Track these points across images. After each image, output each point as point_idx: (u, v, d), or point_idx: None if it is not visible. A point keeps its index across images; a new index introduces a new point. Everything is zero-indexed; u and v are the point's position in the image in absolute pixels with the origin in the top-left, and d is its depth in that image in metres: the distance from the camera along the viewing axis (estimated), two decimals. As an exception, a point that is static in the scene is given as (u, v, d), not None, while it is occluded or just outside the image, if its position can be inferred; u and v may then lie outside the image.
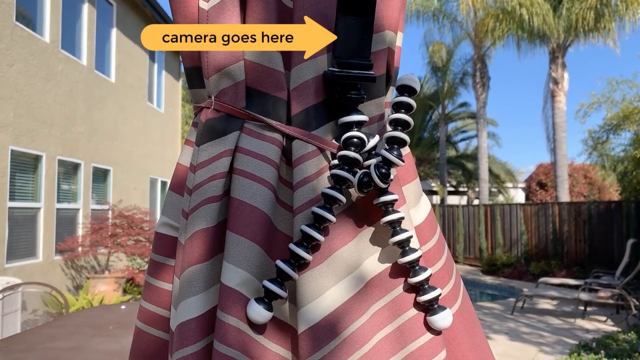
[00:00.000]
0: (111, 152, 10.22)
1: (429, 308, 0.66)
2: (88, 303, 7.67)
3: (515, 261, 13.88)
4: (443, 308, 0.65)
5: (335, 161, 0.66)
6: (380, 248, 0.67)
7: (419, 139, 23.19)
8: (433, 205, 17.64)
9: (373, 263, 0.66)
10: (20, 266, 7.35)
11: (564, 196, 14.93)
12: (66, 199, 8.78)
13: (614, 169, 17.31)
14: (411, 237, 0.65)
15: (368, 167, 0.65)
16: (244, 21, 0.68)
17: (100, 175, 9.92)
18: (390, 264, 0.67)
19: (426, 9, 17.93)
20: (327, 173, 0.67)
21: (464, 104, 23.28)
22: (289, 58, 0.68)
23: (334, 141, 0.68)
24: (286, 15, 0.68)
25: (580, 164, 23.88)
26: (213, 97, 0.68)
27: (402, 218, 0.65)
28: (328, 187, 0.64)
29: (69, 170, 8.83)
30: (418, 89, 0.67)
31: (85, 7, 9.34)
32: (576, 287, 9.30)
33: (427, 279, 0.65)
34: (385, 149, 0.64)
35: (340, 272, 0.64)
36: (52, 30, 8.23)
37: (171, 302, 0.68)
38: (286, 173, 0.68)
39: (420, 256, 0.65)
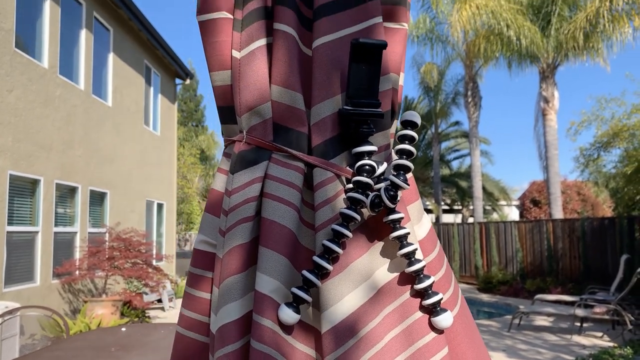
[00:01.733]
0: (108, 175, 10.31)
1: (433, 310, 0.76)
2: (86, 326, 7.67)
3: (511, 278, 13.96)
4: (444, 310, 0.76)
5: (350, 185, 0.78)
6: (389, 259, 0.78)
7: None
8: (428, 224, 17.74)
9: (384, 272, 0.77)
10: (18, 290, 7.37)
11: (558, 213, 15.09)
12: (63, 223, 8.83)
13: (607, 186, 17.52)
14: (416, 249, 0.76)
15: (378, 190, 0.77)
16: (270, 67, 0.79)
17: (97, 199, 9.99)
18: (399, 273, 0.78)
19: (419, 32, 18.28)
20: (344, 195, 0.78)
21: (456, 123, 23.59)
22: (309, 98, 0.79)
23: (348, 168, 0.79)
24: (306, 62, 0.80)
25: (573, 181, 24.11)
26: (245, 132, 0.80)
27: (408, 233, 0.76)
28: (345, 208, 0.76)
29: (66, 193, 8.90)
30: (419, 123, 0.79)
31: (83, 33, 9.51)
32: (572, 303, 9.39)
33: (430, 285, 0.76)
34: (393, 174, 0.76)
35: (356, 281, 0.75)
36: (50, 56, 8.38)
37: (210, 309, 0.78)
38: (308, 196, 0.80)
39: (425, 266, 0.76)
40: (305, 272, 0.73)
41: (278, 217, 0.74)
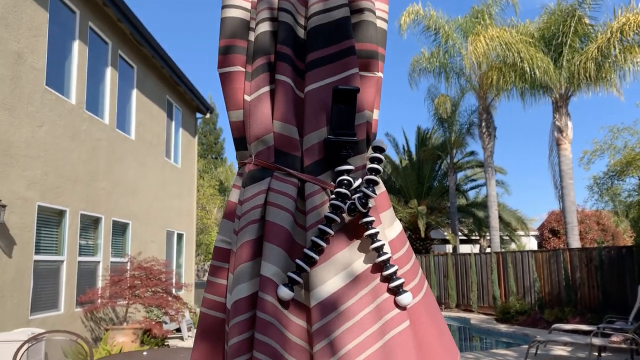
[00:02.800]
0: (130, 206, 10.67)
1: (397, 292, 0.99)
2: (107, 353, 7.89)
3: (529, 308, 13.87)
4: (405, 292, 0.99)
5: (333, 195, 1.01)
6: (364, 253, 1.01)
7: (429, 188, 23.55)
8: (446, 254, 17.77)
9: (360, 263, 1.00)
10: (44, 317, 7.64)
11: (575, 242, 15.03)
12: (87, 252, 9.15)
13: (627, 215, 17.41)
14: (384, 245, 0.99)
15: (354, 199, 1.00)
16: (273, 107, 1.05)
17: (119, 229, 10.33)
18: (372, 264, 1.00)
19: (432, 65, 18.68)
20: (328, 203, 1.02)
21: (471, 153, 23.72)
22: (302, 129, 1.04)
23: (332, 182, 1.03)
24: (300, 102, 1.06)
25: (592, 211, 23.93)
26: (253, 156, 1.05)
27: (378, 233, 0.99)
28: (328, 212, 0.99)
29: (90, 224, 9.25)
30: (386, 149, 1.03)
31: (109, 71, 10.02)
32: (589, 332, 9.34)
33: (395, 272, 0.99)
34: (365, 187, 0.99)
35: (338, 268, 0.98)
36: (78, 92, 8.85)
37: (227, 290, 1.02)
38: (301, 204, 1.04)
39: (390, 257, 0.99)
40: (298, 261, 0.97)
41: (278, 220, 0.98)
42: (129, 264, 9.80)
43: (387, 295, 0.99)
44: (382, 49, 1.13)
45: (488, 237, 23.99)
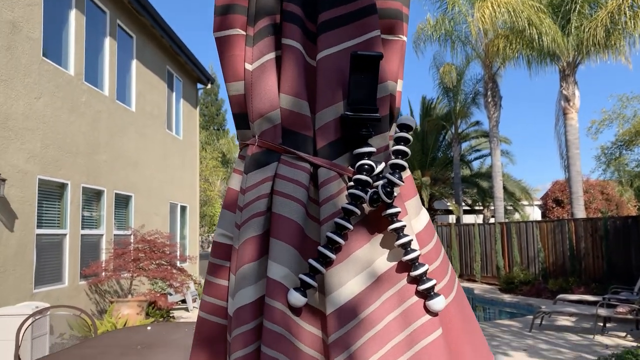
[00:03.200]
0: (133, 179, 10.55)
1: (427, 295, 0.85)
2: (112, 326, 7.88)
3: (533, 279, 13.85)
4: (437, 295, 0.84)
5: (352, 183, 0.86)
6: (388, 250, 0.87)
7: (433, 158, 23.35)
8: (449, 225, 17.70)
9: (383, 261, 0.85)
10: (48, 291, 7.60)
11: (580, 212, 14.92)
12: (90, 225, 9.07)
13: (631, 185, 17.25)
14: (411, 240, 0.84)
15: (377, 187, 0.85)
16: (279, 77, 0.89)
17: (122, 202, 10.23)
18: (396, 262, 0.86)
19: (438, 33, 18.26)
20: (346, 192, 0.87)
21: (476, 123, 23.43)
22: (314, 104, 0.89)
23: (350, 168, 0.88)
24: (311, 72, 0.89)
25: (596, 181, 23.76)
26: (257, 136, 0.89)
27: (404, 226, 0.84)
28: (347, 203, 0.84)
29: (92, 197, 9.14)
30: (414, 126, 0.87)
31: (107, 40, 9.76)
32: (594, 303, 9.30)
33: (425, 273, 0.84)
34: (390, 173, 0.84)
35: (358, 268, 0.83)
36: (76, 63, 8.63)
37: (228, 293, 0.88)
38: (314, 193, 0.89)
39: (419, 255, 0.84)
40: (311, 261, 0.82)
41: (287, 212, 0.84)
42: (132, 236, 9.73)
43: (415, 299, 0.85)
44: (406, 8, 0.96)
45: (492, 208, 23.91)
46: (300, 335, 0.81)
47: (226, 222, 0.92)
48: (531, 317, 9.69)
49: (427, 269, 0.84)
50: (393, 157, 0.87)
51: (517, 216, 26.10)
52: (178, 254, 10.42)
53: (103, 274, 8.82)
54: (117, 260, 8.91)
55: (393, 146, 0.88)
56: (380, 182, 0.85)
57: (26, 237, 7.13)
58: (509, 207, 24.97)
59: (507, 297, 13.03)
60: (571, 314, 9.18)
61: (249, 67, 0.90)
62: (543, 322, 9.13)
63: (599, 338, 7.99)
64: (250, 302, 0.81)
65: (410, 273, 0.85)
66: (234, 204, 0.92)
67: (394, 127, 0.96)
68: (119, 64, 10.20)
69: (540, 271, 14.05)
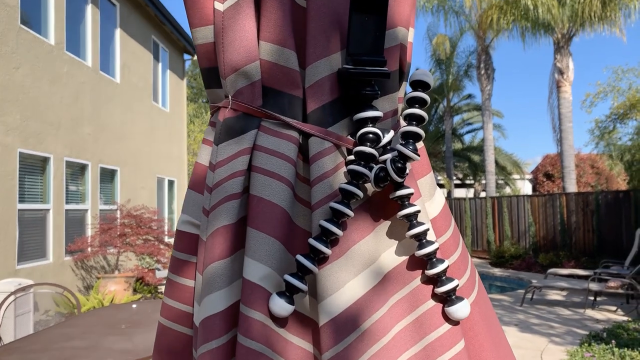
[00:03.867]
0: (118, 152, 10.28)
1: (447, 299, 0.67)
2: (99, 302, 7.73)
3: (524, 253, 13.86)
4: (461, 299, 0.67)
5: (352, 157, 0.68)
6: (397, 241, 0.68)
7: (425, 132, 23.19)
8: (440, 199, 17.62)
9: (390, 256, 0.67)
10: (32, 267, 7.41)
11: (572, 187, 14.88)
12: (74, 200, 8.84)
13: (621, 158, 17.24)
14: (428, 229, 0.66)
15: (384, 162, 0.67)
16: (259, 21, 0.69)
17: (107, 176, 9.98)
18: (407, 257, 0.68)
19: (430, 3, 17.88)
20: (344, 169, 0.68)
21: (469, 96, 23.23)
22: (303, 57, 0.69)
23: (349, 137, 0.69)
24: (300, 15, 0.69)
25: (587, 154, 23.80)
26: (230, 97, 0.70)
27: (419, 211, 0.66)
28: (345, 183, 0.66)
29: (76, 171, 8.89)
30: (432, 83, 0.68)
31: (89, 8, 9.37)
32: (585, 277, 9.29)
33: (444, 271, 0.66)
34: (401, 144, 0.65)
35: (359, 266, 0.65)
36: (56, 32, 8.27)
37: (194, 298, 0.69)
38: (303, 170, 0.70)
39: (437, 248, 0.66)
40: (299, 257, 0.64)
41: (268, 194, 0.65)
42: (118, 211, 9.52)
43: (432, 303, 0.67)
44: None
45: (483, 182, 23.88)
46: (286, 352, 0.63)
47: (193, 207, 0.73)
48: (522, 291, 9.67)
49: (447, 266, 0.67)
50: (405, 124, 0.68)
51: (508, 190, 26.12)
52: (166, 229, 10.21)
53: (89, 249, 8.63)
54: (103, 236, 8.72)
55: (405, 109, 0.69)
56: (389, 156, 0.66)
57: (8, 212, 6.90)
58: (500, 181, 24.95)
59: (497, 272, 13.03)
60: (562, 289, 9.16)
61: (219, 6, 0.69)
62: (534, 297, 9.11)
63: (589, 312, 7.97)
64: (220, 311, 0.63)
65: (426, 271, 0.67)
66: (201, 184, 0.72)
67: (403, 87, 0.77)
68: (102, 33, 9.82)
69: (530, 245, 14.06)
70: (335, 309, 0.62)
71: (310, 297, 0.67)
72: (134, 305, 4.89)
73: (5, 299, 4.68)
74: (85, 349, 3.15)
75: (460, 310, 0.66)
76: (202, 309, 0.64)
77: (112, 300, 8.02)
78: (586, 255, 12.47)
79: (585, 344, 5.84)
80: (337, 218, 0.64)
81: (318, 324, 0.64)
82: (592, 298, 8.68)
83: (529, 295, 9.05)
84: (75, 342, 3.34)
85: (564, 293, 9.81)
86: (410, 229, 0.66)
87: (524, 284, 11.00)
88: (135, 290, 9.07)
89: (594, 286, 8.21)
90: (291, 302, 0.62)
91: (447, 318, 0.67)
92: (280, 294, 0.62)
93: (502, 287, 11.68)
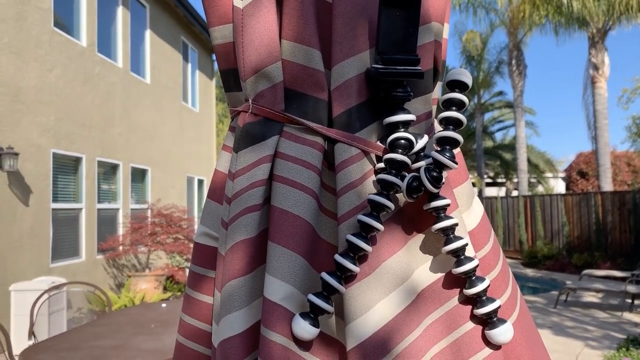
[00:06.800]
0: (149, 152, 10.41)
1: (488, 321, 0.61)
2: (130, 301, 7.83)
3: (557, 253, 13.53)
4: (503, 321, 0.60)
5: (381, 165, 0.62)
6: (431, 257, 0.62)
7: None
8: (470, 198, 17.37)
9: (424, 273, 0.62)
10: (65, 266, 7.56)
11: (607, 185, 14.46)
12: (106, 199, 8.98)
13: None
14: (466, 244, 0.60)
15: (417, 170, 0.61)
16: (280, 19, 0.64)
17: (138, 175, 10.11)
18: (444, 274, 0.62)
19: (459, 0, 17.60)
20: (373, 177, 0.62)
21: (500, 93, 22.81)
22: (329, 56, 0.63)
23: (379, 143, 0.63)
24: (325, 11, 0.64)
25: (622, 152, 23.11)
26: (250, 101, 0.65)
27: (456, 224, 0.60)
28: (374, 193, 0.60)
29: (108, 170, 9.03)
30: (470, 83, 0.62)
31: (120, 10, 9.51)
32: (622, 279, 9.00)
33: (485, 290, 0.60)
34: (436, 150, 0.60)
35: (390, 284, 0.59)
36: (88, 34, 8.41)
37: (212, 316, 0.65)
38: (329, 178, 0.64)
39: (477, 265, 0.60)
40: (325, 275, 0.58)
41: (291, 206, 0.60)
42: (149, 210, 9.64)
43: (471, 325, 0.61)
44: None
45: (515, 180, 23.43)
46: None
47: (211, 218, 0.68)
48: (555, 292, 9.42)
49: (489, 285, 0.60)
50: (441, 128, 0.62)
51: (540, 189, 25.57)
52: (195, 228, 10.32)
53: (120, 248, 8.76)
54: (134, 235, 8.84)
55: (441, 112, 0.62)
56: (423, 163, 0.61)
57: (42, 212, 7.05)
58: (532, 180, 24.45)
59: (530, 272, 12.75)
60: (598, 290, 8.89)
61: (238, 3, 0.64)
62: (568, 298, 8.87)
63: (627, 315, 7.71)
64: (239, 332, 0.58)
65: (465, 290, 0.61)
66: (220, 193, 0.68)
67: (438, 87, 0.71)
68: (132, 34, 9.96)
69: (564, 245, 13.71)
70: (364, 332, 0.57)
71: (337, 317, 0.62)
72: (164, 305, 4.92)
73: (40, 297, 4.76)
74: (115, 348, 3.16)
75: (502, 334, 0.59)
76: (220, 329, 0.59)
77: (142, 298, 8.13)
78: (623, 256, 12.09)
79: (623, 348, 5.64)
80: (366, 232, 0.58)
81: (346, 348, 0.58)
82: (629, 300, 8.39)
83: (562, 297, 8.81)
84: (105, 341, 3.36)
85: (600, 295, 9.52)
86: (446, 243, 0.60)
87: (557, 285, 10.73)
88: (165, 289, 9.18)
89: (632, 288, 7.94)
90: (316, 324, 0.57)
91: (487, 342, 0.60)
92: (304, 315, 0.57)
93: (534, 288, 11.42)
